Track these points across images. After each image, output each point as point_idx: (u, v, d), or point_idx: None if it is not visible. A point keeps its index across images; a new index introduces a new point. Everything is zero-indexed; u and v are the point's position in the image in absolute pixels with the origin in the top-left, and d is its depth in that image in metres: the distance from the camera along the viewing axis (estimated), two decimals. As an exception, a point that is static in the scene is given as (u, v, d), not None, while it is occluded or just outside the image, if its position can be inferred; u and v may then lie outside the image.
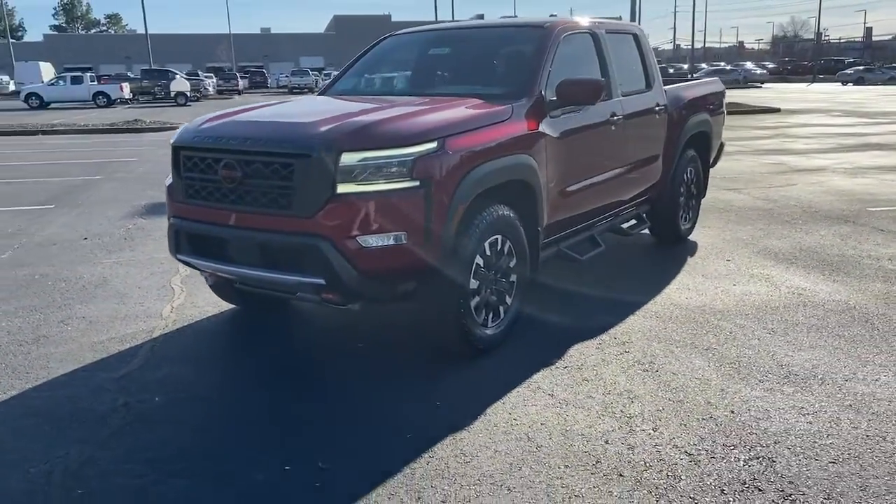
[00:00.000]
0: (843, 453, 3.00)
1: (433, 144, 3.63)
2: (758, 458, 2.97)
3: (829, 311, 4.76)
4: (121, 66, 73.02)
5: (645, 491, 2.75)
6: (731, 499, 2.69)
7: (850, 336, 4.34)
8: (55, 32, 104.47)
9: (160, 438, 3.25)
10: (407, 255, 3.59)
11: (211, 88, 48.63)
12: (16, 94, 48.08)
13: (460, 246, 3.77)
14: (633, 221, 6.11)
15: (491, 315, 4.12)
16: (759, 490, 2.74)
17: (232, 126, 3.96)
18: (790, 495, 2.70)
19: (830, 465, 2.91)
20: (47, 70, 54.35)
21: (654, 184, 6.07)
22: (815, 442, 3.10)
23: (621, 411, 3.43)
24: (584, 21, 5.36)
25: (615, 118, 5.21)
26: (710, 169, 7.39)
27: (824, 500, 2.66)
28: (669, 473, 2.87)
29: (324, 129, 3.63)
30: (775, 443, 3.09)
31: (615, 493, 2.74)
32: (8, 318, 4.92)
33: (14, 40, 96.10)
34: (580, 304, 5.07)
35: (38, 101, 38.87)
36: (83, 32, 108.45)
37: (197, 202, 3.93)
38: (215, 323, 4.83)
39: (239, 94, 53.55)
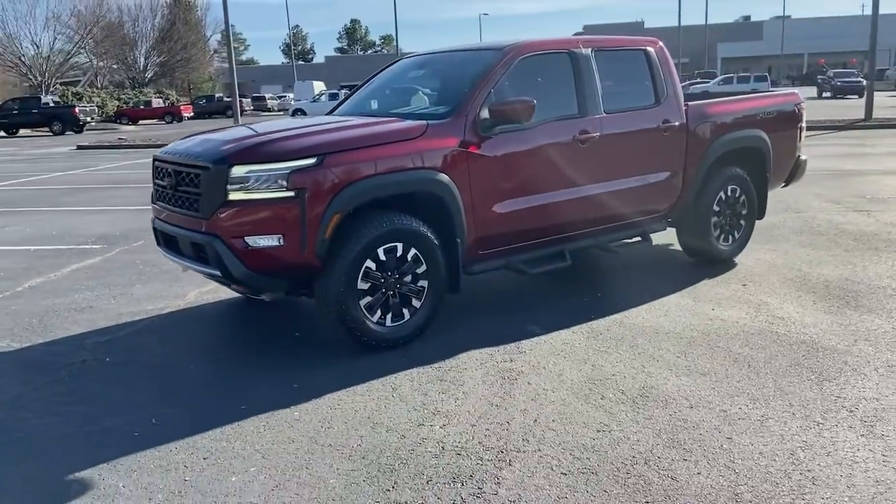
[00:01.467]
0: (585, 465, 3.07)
1: (312, 160, 4.17)
2: (494, 460, 3.14)
3: (776, 345, 4.47)
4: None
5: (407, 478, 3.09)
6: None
7: (757, 369, 4.11)
8: (337, 54, 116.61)
9: (75, 387, 4.15)
10: (286, 255, 4.17)
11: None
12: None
13: (342, 249, 4.24)
14: (638, 238, 6.01)
15: (389, 315, 4.51)
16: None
17: (184, 144, 4.79)
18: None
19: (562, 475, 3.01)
20: (320, 88, 61.03)
21: (668, 201, 5.94)
22: (578, 454, 3.17)
23: (434, 411, 3.70)
24: (559, 41, 5.49)
25: (588, 136, 5.27)
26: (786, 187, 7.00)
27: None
28: (448, 466, 3.16)
29: (226, 147, 4.34)
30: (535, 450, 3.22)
31: (360, 479, 3.11)
32: (84, 292, 6.22)
33: (304, 62, 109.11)
34: (529, 311, 5.23)
35: (302, 116, 43.84)
36: (360, 53, 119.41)
37: (158, 203, 4.84)
38: (218, 307, 5.71)
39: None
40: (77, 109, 38.38)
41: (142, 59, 60.21)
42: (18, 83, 51.10)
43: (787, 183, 7.07)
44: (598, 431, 3.43)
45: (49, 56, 49.78)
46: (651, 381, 3.97)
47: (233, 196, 4.16)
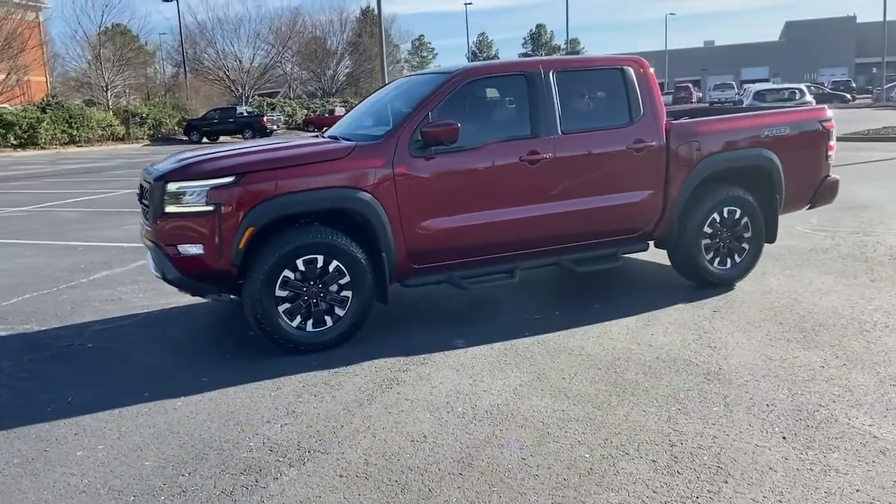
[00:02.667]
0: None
1: (230, 178, 4.69)
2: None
3: (675, 374, 4.37)
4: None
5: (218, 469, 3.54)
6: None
7: (628, 397, 4.07)
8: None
9: (43, 366, 4.94)
10: (207, 261, 4.71)
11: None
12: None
13: (259, 259, 4.71)
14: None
15: (311, 321, 4.92)
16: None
17: (157, 164, 5.43)
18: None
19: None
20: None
21: (647, 222, 5.85)
22: (373, 460, 3.43)
23: (291, 412, 4.07)
24: (512, 64, 5.63)
25: (538, 156, 5.36)
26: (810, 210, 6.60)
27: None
28: (251, 460, 3.57)
29: (170, 166, 4.95)
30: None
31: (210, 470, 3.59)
32: (127, 286, 7.16)
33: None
34: (472, 324, 5.41)
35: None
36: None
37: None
38: (220, 306, 6.35)
39: (664, 110, 54.12)
40: (265, 119, 42.03)
41: (331, 71, 64.41)
42: (223, 94, 56.63)
43: (813, 205, 6.60)
44: (413, 442, 3.62)
45: (249, 69, 54.76)
46: (510, 400, 4.06)
47: (168, 209, 4.76)
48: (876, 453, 3.31)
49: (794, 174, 6.28)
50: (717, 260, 6.11)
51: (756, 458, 3.31)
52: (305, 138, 6.05)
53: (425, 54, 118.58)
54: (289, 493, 3.18)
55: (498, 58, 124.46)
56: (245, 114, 43.46)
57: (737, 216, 6.09)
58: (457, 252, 5.30)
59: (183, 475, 3.37)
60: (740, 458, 3.31)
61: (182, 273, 4.77)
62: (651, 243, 6.14)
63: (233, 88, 54.01)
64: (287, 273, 4.79)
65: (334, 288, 4.95)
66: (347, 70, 66.35)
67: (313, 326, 4.94)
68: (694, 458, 3.34)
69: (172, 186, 4.74)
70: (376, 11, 62.21)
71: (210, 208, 4.66)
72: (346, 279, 4.95)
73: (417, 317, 5.83)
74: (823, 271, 6.56)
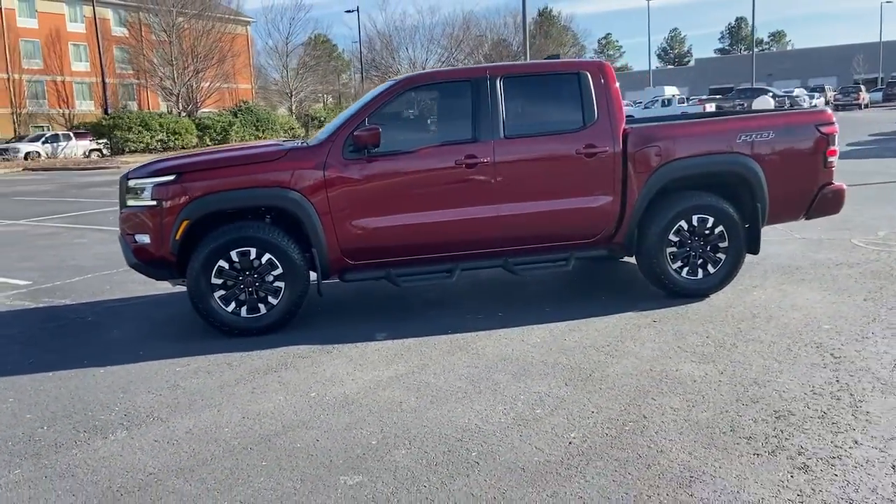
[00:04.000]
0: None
1: (171, 177, 5.30)
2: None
3: (534, 369, 4.42)
4: (760, 84, 74.95)
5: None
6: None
7: (486, 390, 4.19)
8: (716, 55, 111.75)
9: (46, 334, 5.81)
10: (153, 250, 5.36)
11: (807, 104, 46.96)
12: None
13: (196, 249, 5.28)
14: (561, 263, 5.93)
15: (245, 308, 5.42)
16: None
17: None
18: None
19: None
20: (671, 92, 59.86)
21: (602, 228, 5.80)
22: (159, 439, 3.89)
23: (174, 385, 4.59)
24: (457, 71, 5.80)
25: (475, 160, 5.51)
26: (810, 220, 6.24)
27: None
28: (49, 433, 4.17)
29: (136, 165, 5.66)
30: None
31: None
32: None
33: (677, 66, 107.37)
34: (410, 321, 5.65)
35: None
36: (744, 53, 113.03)
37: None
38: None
39: (860, 108, 50.08)
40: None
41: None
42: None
43: (810, 216, 6.16)
44: (244, 418, 4.00)
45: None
46: (365, 390, 4.32)
47: (128, 202, 5.45)
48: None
49: (783, 182, 5.91)
50: (686, 270, 5.88)
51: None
52: (263, 144, 6.55)
53: (612, 52, 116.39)
54: (101, 451, 3.67)
55: (691, 55, 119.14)
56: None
57: (709, 225, 5.83)
58: (392, 251, 5.56)
59: (42, 428, 3.98)
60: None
61: (137, 260, 5.45)
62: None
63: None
64: (222, 263, 5.31)
65: (269, 279, 5.39)
66: (520, 71, 66.66)
67: (247, 313, 5.42)
68: (490, 456, 3.44)
69: (131, 183, 5.43)
70: (553, 12, 61.61)
71: (154, 203, 5.28)
72: (279, 271, 5.38)
73: (364, 309, 6.17)
74: (825, 288, 6.08)
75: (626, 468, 3.27)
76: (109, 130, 34.45)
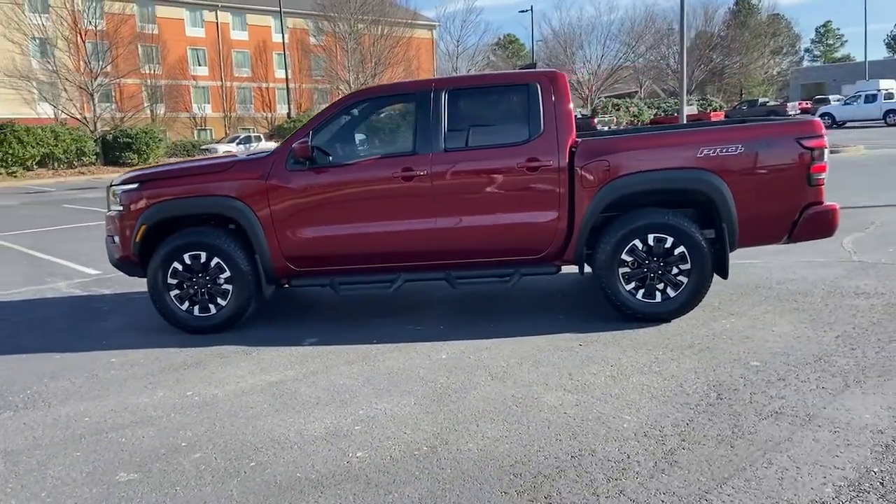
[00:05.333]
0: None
1: (135, 185, 5.86)
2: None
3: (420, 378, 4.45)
4: None
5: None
6: None
7: (354, 396, 4.32)
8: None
9: (63, 319, 6.64)
10: (121, 250, 5.97)
11: None
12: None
13: (156, 253, 5.81)
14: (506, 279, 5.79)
15: (197, 307, 5.87)
16: None
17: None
18: None
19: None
20: (886, 87, 54.14)
21: (547, 244, 5.62)
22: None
23: (92, 375, 5.11)
24: (402, 85, 5.86)
25: (412, 173, 5.57)
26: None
27: None
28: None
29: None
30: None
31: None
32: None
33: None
34: (348, 328, 5.80)
35: (829, 120, 40.16)
36: None
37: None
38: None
39: None
40: (595, 120, 42.78)
41: (689, 67, 62.16)
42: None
43: (793, 239, 5.54)
44: (99, 412, 4.41)
45: (596, 72, 55.76)
46: (233, 391, 4.56)
47: (110, 206, 6.10)
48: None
49: (757, 201, 5.38)
50: (641, 292, 5.53)
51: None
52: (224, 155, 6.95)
53: (832, 42, 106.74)
54: (-21, 427, 4.22)
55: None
56: (578, 116, 44.60)
57: (668, 245, 5.44)
58: (332, 259, 5.75)
59: (-41, 403, 4.62)
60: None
61: (114, 258, 6.07)
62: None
63: (579, 91, 55.48)
64: (176, 265, 5.78)
65: (219, 281, 5.79)
66: (710, 66, 63.37)
67: (199, 312, 5.85)
68: (261, 468, 3.59)
69: (112, 189, 6.06)
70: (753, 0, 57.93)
71: (121, 208, 5.87)
72: (227, 274, 5.76)
73: (318, 314, 6.41)
74: (809, 318, 5.46)
75: (367, 493, 3.25)
76: (290, 132, 37.30)
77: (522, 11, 55.34)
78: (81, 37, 36.93)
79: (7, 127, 30.59)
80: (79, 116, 36.02)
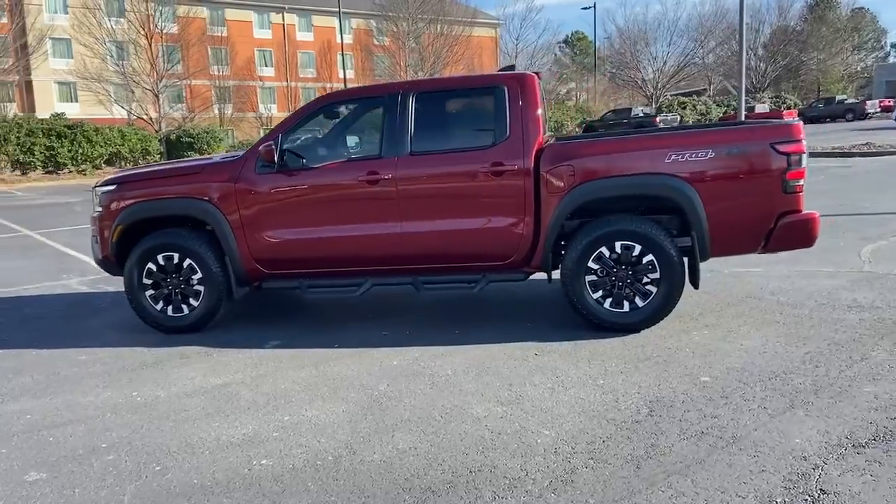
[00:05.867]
0: None
1: (113, 187, 6.01)
2: None
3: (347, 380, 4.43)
4: None
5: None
6: None
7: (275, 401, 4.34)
8: None
9: (57, 317, 6.86)
10: (101, 250, 6.12)
11: None
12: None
13: (132, 253, 5.94)
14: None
15: (171, 308, 5.98)
16: None
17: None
18: None
19: None
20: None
21: (512, 251, 5.51)
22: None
23: (52, 372, 5.26)
24: (371, 88, 5.82)
25: (377, 177, 5.52)
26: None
27: None
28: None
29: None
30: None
31: None
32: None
33: None
34: (313, 330, 5.82)
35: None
36: None
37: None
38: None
39: None
40: (657, 119, 41.87)
41: (761, 63, 60.21)
42: (632, 96, 57.41)
43: (769, 249, 5.28)
44: (27, 402, 4.53)
45: (661, 69, 54.46)
46: (173, 393, 4.62)
47: (95, 207, 6.27)
48: None
49: (728, 209, 5.15)
50: (609, 301, 5.36)
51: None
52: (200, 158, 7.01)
53: None
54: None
55: None
56: (641, 114, 43.73)
57: (636, 253, 5.25)
58: (301, 262, 5.76)
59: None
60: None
61: (97, 258, 6.23)
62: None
63: (644, 89, 54.37)
64: (150, 265, 5.89)
65: (192, 282, 5.88)
66: (785, 62, 61.12)
67: (173, 312, 5.96)
68: (117, 474, 3.62)
69: (95, 190, 6.22)
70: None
71: (101, 209, 6.02)
72: (199, 275, 5.85)
73: (289, 316, 6.45)
74: (786, 332, 5.19)
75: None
76: (347, 132, 37.82)
77: (585, 9, 54.63)
78: (152, 39, 38.29)
79: (77, 127, 31.96)
80: (145, 117, 37.30)
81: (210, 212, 5.73)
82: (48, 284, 8.30)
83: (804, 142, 5.06)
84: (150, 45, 38.14)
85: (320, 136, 6.00)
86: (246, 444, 3.84)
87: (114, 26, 39.33)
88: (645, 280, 5.26)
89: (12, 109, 43.75)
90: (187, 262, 5.81)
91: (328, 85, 59.33)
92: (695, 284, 5.36)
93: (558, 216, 5.30)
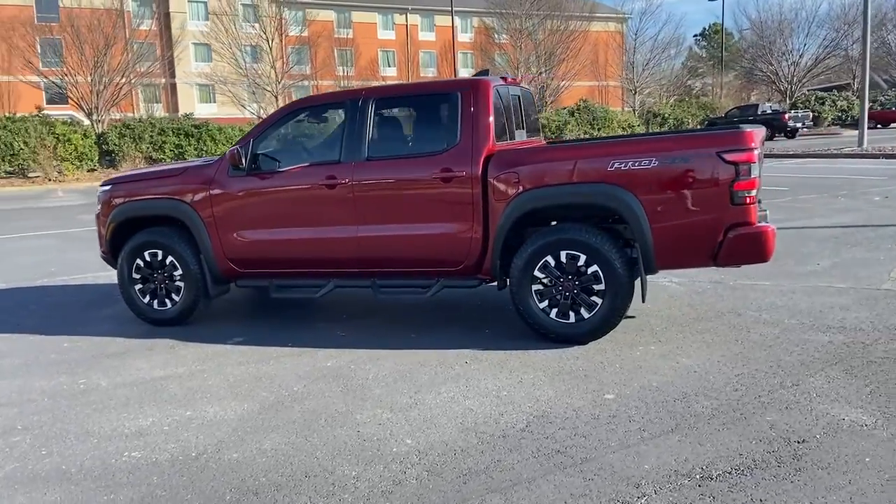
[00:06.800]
0: None
1: (108, 187, 6.48)
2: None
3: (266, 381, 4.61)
4: None
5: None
6: None
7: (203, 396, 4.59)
8: None
9: (59, 307, 7.47)
10: (101, 246, 6.63)
11: None
12: None
13: (123, 249, 6.40)
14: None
15: (156, 301, 6.38)
16: None
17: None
18: None
19: None
20: None
21: (461, 258, 5.48)
22: None
23: (25, 361, 5.74)
24: (335, 94, 5.97)
25: (334, 181, 5.64)
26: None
27: None
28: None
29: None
30: None
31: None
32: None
33: None
34: (276, 329, 6.01)
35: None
36: None
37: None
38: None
39: None
40: (787, 116, 39.53)
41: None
42: (764, 92, 54.22)
43: (720, 262, 4.97)
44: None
45: (797, 62, 51.09)
46: (113, 386, 4.95)
47: (97, 206, 6.77)
48: None
49: (673, 220, 4.91)
50: (555, 311, 5.24)
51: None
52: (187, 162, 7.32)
53: None
54: None
55: None
56: (769, 111, 41.34)
57: (580, 263, 5.10)
58: (269, 262, 5.98)
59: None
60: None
61: (100, 253, 6.74)
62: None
63: (777, 84, 51.27)
64: (139, 261, 6.30)
65: (175, 278, 6.25)
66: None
67: (157, 305, 6.34)
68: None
69: (98, 190, 6.73)
70: None
71: (100, 208, 6.51)
72: (179, 272, 6.20)
73: (270, 314, 6.67)
74: (736, 352, 4.89)
75: (78, 494, 3.44)
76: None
77: (712, 0, 52.12)
78: (283, 42, 40.38)
79: (203, 126, 34.12)
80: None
81: (188, 213, 6.05)
82: (93, 275, 8.97)
83: (756, 151, 4.72)
84: (282, 48, 40.11)
85: (290, 141, 6.16)
86: (133, 435, 4.05)
87: (246, 31, 41.60)
88: (590, 291, 5.08)
89: (159, 110, 47.43)
90: (169, 259, 6.17)
91: (449, 83, 60.04)
92: (641, 298, 5.12)
93: (503, 224, 5.22)
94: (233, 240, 5.95)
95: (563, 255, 5.09)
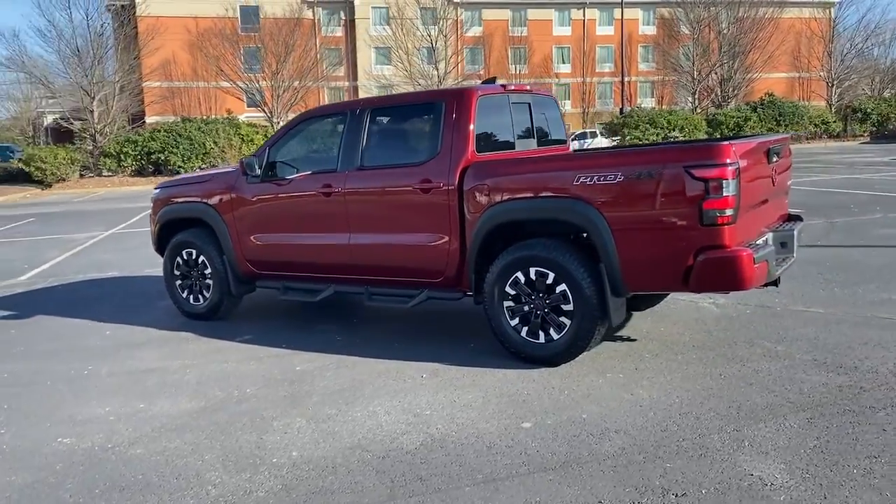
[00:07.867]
0: None
1: (157, 191, 7.08)
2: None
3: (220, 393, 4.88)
4: None
5: None
6: None
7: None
8: None
9: (80, 300, 8.25)
10: (153, 243, 7.25)
11: None
12: None
13: (168, 248, 6.96)
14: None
15: (192, 297, 6.85)
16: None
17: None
18: None
19: None
20: None
21: (440, 269, 5.41)
22: None
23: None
24: (338, 105, 6.11)
25: (330, 189, 5.78)
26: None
27: None
28: None
29: (175, 178, 7.57)
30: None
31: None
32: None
33: None
34: (269, 330, 6.25)
35: None
36: None
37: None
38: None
39: None
40: None
41: None
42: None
43: (691, 287, 4.52)
44: None
45: None
46: (102, 376, 5.43)
47: (151, 207, 7.39)
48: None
49: (640, 240, 4.56)
50: (525, 329, 5.05)
51: None
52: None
53: None
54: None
55: None
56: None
57: (549, 281, 4.87)
58: (277, 265, 6.25)
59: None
60: None
61: (154, 249, 7.37)
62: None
63: None
64: (178, 259, 6.83)
65: (206, 276, 6.70)
66: None
67: (192, 301, 6.83)
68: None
69: (152, 193, 7.35)
70: None
71: (151, 208, 7.13)
72: (209, 270, 6.65)
73: (290, 315, 6.89)
74: (706, 387, 4.44)
75: None
76: (620, 128, 36.93)
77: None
78: (459, 43, 41.50)
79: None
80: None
81: (213, 216, 6.46)
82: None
83: (732, 167, 4.23)
84: (458, 48, 41.18)
85: (299, 150, 6.35)
86: (79, 423, 4.42)
87: (422, 34, 43.09)
88: (559, 311, 4.83)
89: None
90: (201, 258, 6.62)
91: (627, 79, 58.22)
92: (610, 321, 4.77)
93: (475, 237, 5.09)
94: (249, 242, 6.26)
95: (532, 271, 4.87)
